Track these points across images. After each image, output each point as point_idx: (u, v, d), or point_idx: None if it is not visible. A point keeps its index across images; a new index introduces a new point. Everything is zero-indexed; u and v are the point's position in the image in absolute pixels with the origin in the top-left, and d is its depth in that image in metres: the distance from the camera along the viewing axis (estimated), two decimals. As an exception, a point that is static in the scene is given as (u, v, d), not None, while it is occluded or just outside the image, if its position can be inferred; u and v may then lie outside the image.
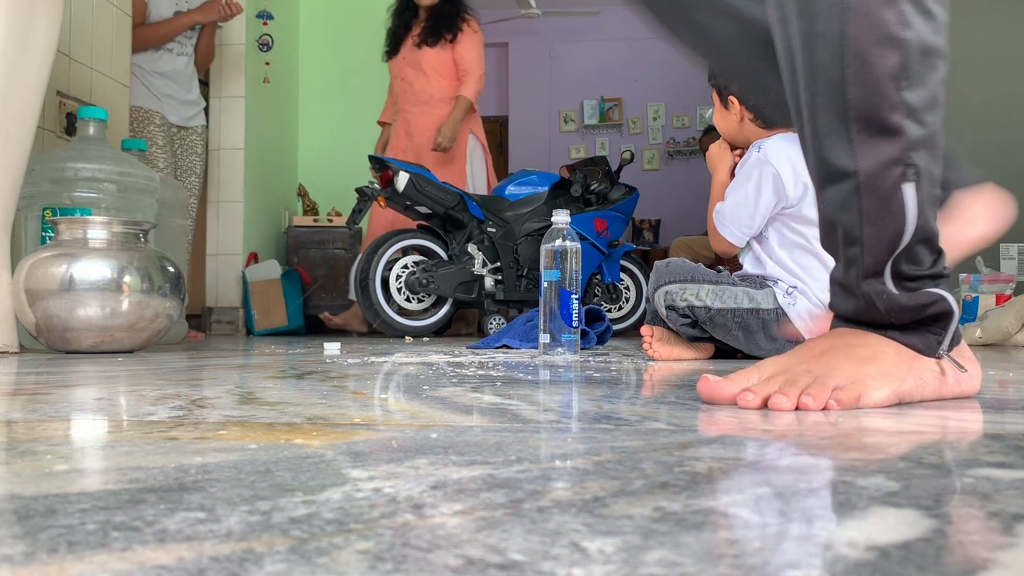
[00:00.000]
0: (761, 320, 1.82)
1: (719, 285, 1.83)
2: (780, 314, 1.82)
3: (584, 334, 2.27)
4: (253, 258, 4.16)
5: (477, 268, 3.45)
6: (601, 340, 2.40)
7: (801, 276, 1.83)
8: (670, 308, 1.82)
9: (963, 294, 3.14)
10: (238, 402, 0.90)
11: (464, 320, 3.97)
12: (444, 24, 3.85)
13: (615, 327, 3.85)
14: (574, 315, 1.92)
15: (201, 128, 3.55)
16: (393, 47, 3.93)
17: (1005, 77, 3.54)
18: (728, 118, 1.96)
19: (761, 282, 1.87)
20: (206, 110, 4.30)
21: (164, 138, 3.32)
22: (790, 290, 1.82)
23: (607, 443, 0.62)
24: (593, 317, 2.43)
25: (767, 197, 1.82)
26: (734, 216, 1.86)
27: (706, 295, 1.81)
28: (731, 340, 1.83)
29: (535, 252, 3.56)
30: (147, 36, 3.26)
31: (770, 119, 1.91)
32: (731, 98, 1.94)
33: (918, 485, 0.47)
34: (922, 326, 0.91)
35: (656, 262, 1.95)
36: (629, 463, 0.53)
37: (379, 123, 4.13)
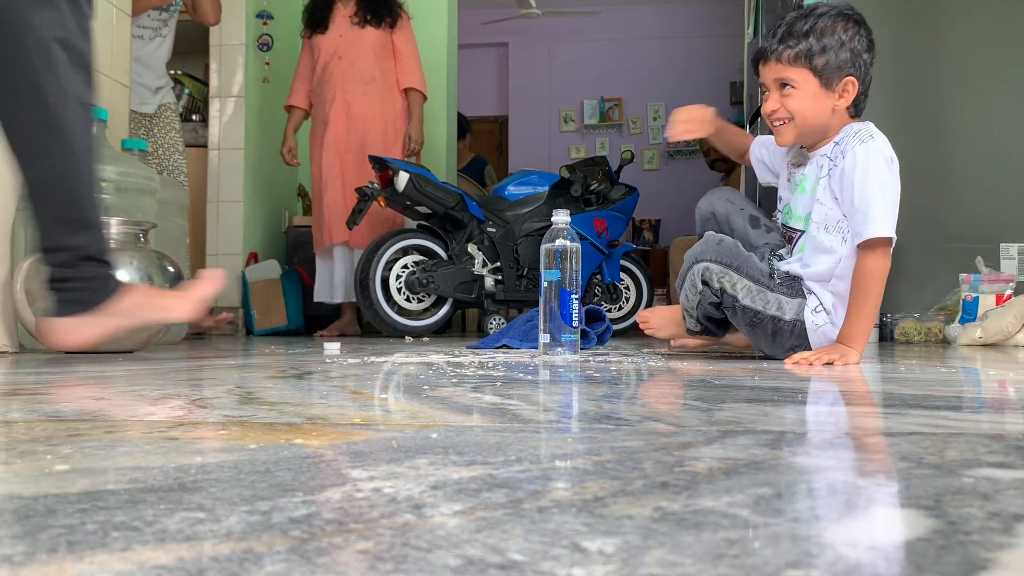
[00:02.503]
0: (776, 327, 1.79)
1: (759, 286, 1.78)
2: (799, 327, 1.79)
3: (584, 334, 2.27)
4: (253, 258, 4.15)
5: (477, 268, 3.45)
6: (601, 340, 2.40)
7: (836, 305, 1.77)
8: (705, 284, 1.77)
9: (963, 294, 3.14)
10: (238, 402, 0.90)
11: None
12: (383, 6, 3.73)
13: (615, 327, 3.84)
14: (574, 315, 1.92)
15: (174, 104, 3.48)
16: (320, 23, 3.72)
17: None
18: (824, 101, 1.73)
19: (799, 290, 1.80)
20: (204, 107, 4.29)
21: (140, 121, 3.28)
22: (818, 309, 1.77)
23: (607, 443, 0.62)
24: (593, 317, 2.43)
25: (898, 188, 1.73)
26: (881, 215, 1.67)
27: (742, 290, 1.76)
28: (737, 325, 1.84)
29: (535, 252, 3.56)
30: None
31: (862, 108, 1.80)
32: (850, 80, 1.72)
33: (918, 485, 0.47)
34: None
35: (708, 234, 1.85)
36: (629, 463, 0.53)
37: (287, 107, 3.87)
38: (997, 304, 3.02)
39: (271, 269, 4.03)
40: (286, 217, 4.59)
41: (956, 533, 0.37)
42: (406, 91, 3.78)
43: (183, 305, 1.61)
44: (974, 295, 3.09)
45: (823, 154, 1.79)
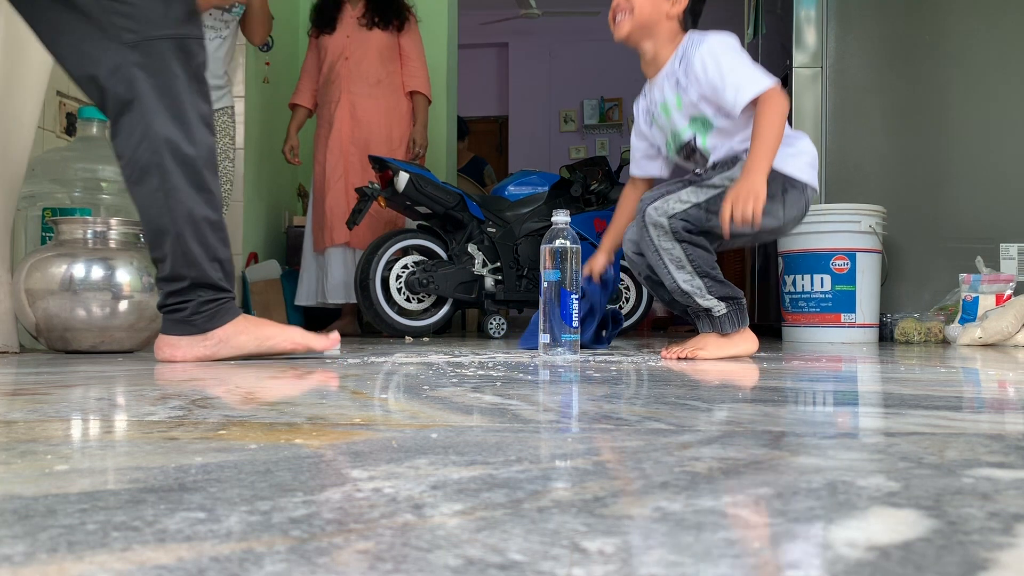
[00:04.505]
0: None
1: (693, 186, 1.87)
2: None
3: (599, 337, 2.28)
4: (253, 258, 4.15)
5: (477, 268, 3.45)
6: (608, 339, 2.40)
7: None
8: (672, 217, 1.83)
9: (963, 294, 3.14)
10: (238, 402, 0.90)
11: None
12: (391, 8, 3.72)
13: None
14: (574, 315, 1.91)
15: (231, 109, 3.35)
16: (328, 23, 3.71)
17: None
18: (661, 4, 1.92)
19: (734, 159, 1.89)
20: None
21: None
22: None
23: (607, 443, 0.62)
24: (613, 319, 2.39)
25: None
26: (752, 76, 1.81)
27: (688, 195, 1.84)
28: (743, 230, 1.81)
29: (535, 252, 3.56)
30: None
31: (689, 26, 1.97)
32: None
33: (918, 485, 0.47)
34: None
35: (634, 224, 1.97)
36: (629, 463, 0.53)
37: (291, 105, 3.86)
38: (997, 304, 3.02)
39: (271, 269, 4.03)
40: (286, 217, 4.59)
41: (956, 533, 0.37)
42: (411, 94, 3.77)
43: (290, 335, 1.71)
44: (974, 295, 3.09)
45: (665, 75, 1.97)
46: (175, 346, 1.65)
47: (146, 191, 1.60)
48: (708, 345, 1.85)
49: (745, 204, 1.70)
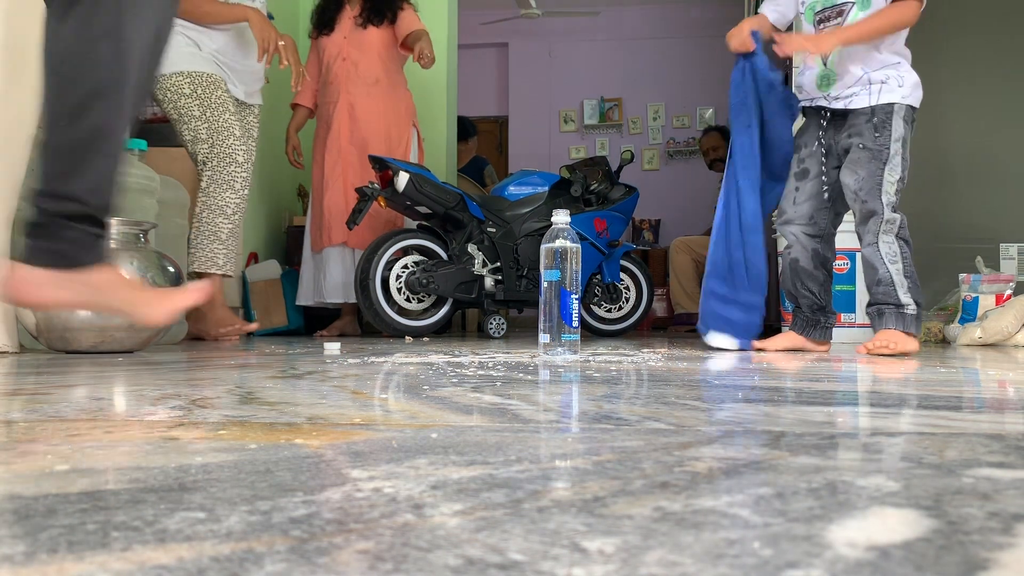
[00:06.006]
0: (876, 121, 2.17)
1: (872, 163, 2.13)
2: (884, 110, 2.19)
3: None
4: (253, 258, 4.15)
5: (477, 268, 3.45)
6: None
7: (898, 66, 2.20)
8: (898, 210, 2.08)
9: (963, 294, 3.14)
10: (238, 402, 0.90)
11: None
12: (385, 3, 3.72)
13: (615, 327, 3.84)
14: (574, 315, 1.92)
15: (259, 109, 3.27)
16: (327, 24, 3.74)
17: None
18: None
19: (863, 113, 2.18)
20: None
21: (236, 104, 3.02)
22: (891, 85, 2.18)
23: (607, 443, 0.62)
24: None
25: None
26: None
27: (889, 174, 2.09)
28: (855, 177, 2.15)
29: (535, 252, 3.55)
30: (196, 5, 2.89)
31: None
32: None
33: (918, 485, 0.47)
34: None
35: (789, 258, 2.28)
36: (629, 463, 0.53)
37: (292, 105, 3.87)
38: (997, 304, 3.02)
39: (271, 269, 4.03)
40: (286, 217, 4.59)
41: (956, 533, 0.37)
42: (406, 42, 3.66)
43: (153, 311, 1.42)
44: (974, 295, 3.09)
45: None
46: (33, 283, 1.29)
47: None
48: (896, 341, 2.00)
49: (810, 43, 2.04)
